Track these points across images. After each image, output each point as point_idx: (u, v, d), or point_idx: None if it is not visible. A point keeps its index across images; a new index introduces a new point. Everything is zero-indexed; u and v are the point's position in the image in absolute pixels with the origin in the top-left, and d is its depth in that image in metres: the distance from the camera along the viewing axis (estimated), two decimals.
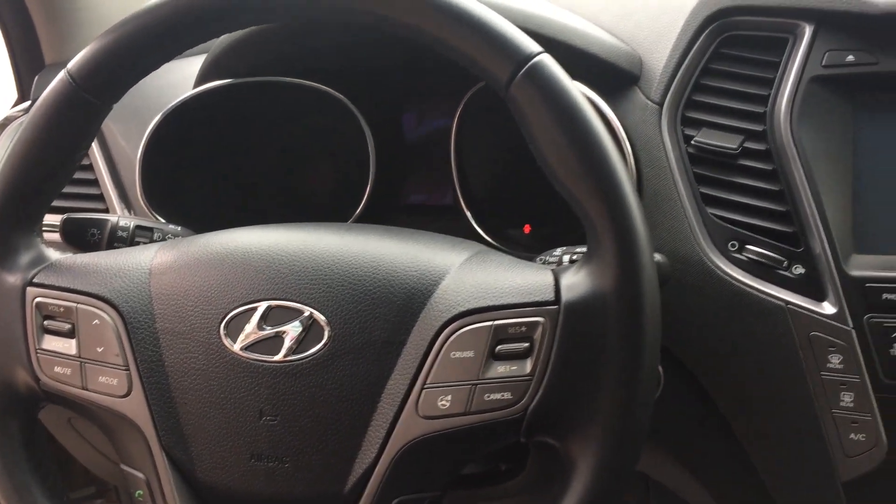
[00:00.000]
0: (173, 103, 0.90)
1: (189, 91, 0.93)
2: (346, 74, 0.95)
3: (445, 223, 0.97)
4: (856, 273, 0.72)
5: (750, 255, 0.76)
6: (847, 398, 0.72)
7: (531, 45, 0.59)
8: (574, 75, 0.82)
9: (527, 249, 0.83)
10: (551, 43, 0.81)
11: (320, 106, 0.93)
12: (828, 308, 0.73)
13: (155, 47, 0.64)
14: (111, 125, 1.01)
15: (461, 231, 0.90)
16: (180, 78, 0.99)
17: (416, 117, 1.04)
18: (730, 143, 0.78)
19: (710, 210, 0.78)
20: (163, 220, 0.90)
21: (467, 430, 0.58)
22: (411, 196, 1.04)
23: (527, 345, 0.58)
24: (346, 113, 0.92)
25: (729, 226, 0.77)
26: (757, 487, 0.78)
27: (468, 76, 0.84)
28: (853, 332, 0.72)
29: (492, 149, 0.95)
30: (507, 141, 0.85)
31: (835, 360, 0.72)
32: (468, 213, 0.91)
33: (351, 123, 0.92)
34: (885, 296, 0.71)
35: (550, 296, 0.58)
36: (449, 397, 0.58)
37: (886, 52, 0.74)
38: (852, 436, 0.72)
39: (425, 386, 0.59)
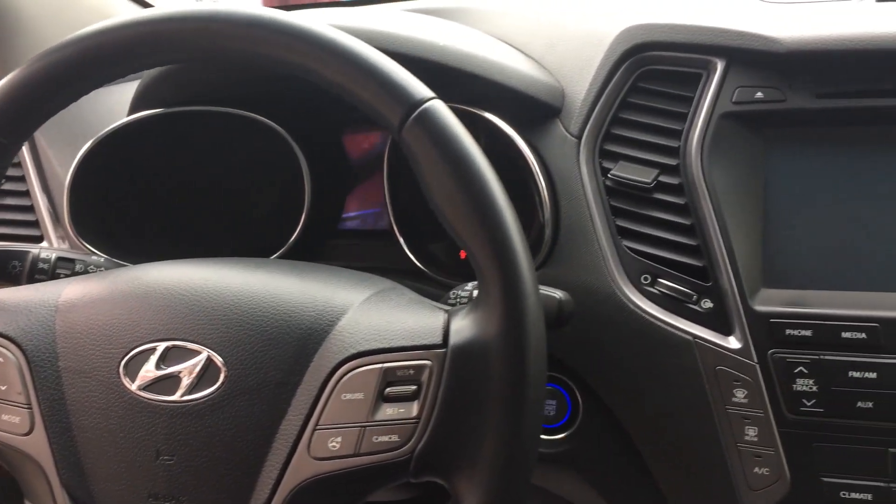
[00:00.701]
0: (102, 132, 0.91)
1: (121, 119, 0.93)
2: (280, 101, 0.95)
3: (381, 248, 0.98)
4: (761, 308, 0.73)
5: (662, 289, 0.77)
6: (751, 432, 0.73)
7: (422, 91, 0.60)
8: (494, 108, 0.84)
9: (462, 276, 0.84)
10: (470, 77, 0.82)
11: (253, 134, 0.94)
12: (733, 343, 0.74)
13: (61, 87, 0.64)
14: (47, 150, 1.01)
15: (397, 256, 0.91)
16: (118, 104, 1.00)
17: (353, 142, 1.04)
18: (644, 176, 0.79)
19: (626, 243, 0.79)
20: (92, 249, 0.90)
21: (357, 471, 0.59)
22: (349, 221, 1.05)
23: (415, 387, 0.59)
24: (280, 140, 0.93)
25: (643, 259, 0.78)
26: None
27: None
28: (757, 366, 0.73)
29: None
30: None
31: (740, 395, 0.73)
32: (401, 239, 0.92)
33: (285, 150, 0.93)
34: (788, 331, 0.72)
35: (438, 339, 0.59)
36: (339, 439, 0.59)
37: (794, 89, 0.75)
38: (756, 469, 0.73)
39: (317, 427, 0.59)
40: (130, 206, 0.97)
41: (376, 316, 0.62)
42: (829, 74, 0.75)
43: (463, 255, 0.97)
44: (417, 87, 0.60)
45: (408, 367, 0.59)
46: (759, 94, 0.76)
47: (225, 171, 0.99)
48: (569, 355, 0.82)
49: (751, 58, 0.77)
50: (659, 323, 0.76)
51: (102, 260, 0.82)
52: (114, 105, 1.01)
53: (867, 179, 0.75)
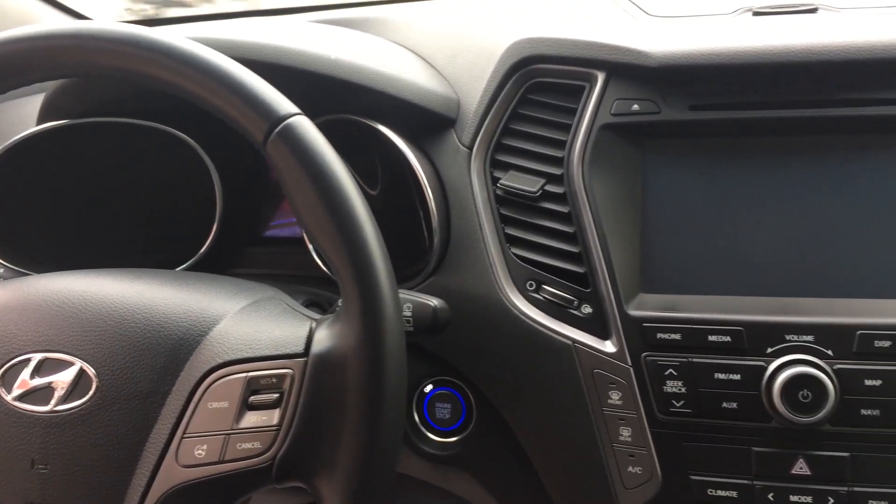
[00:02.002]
0: (6, 144, 0.92)
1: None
2: (195, 111, 0.96)
3: (299, 256, 1.00)
4: (635, 313, 0.76)
5: (545, 295, 0.80)
6: (626, 433, 0.76)
7: (286, 107, 0.62)
8: (387, 120, 0.86)
9: None
10: (363, 90, 0.84)
11: (164, 144, 0.95)
12: (609, 346, 0.77)
13: None
14: None
15: (312, 264, 0.92)
16: (30, 114, 1.01)
17: None
18: (531, 186, 0.81)
19: (514, 250, 0.82)
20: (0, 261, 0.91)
21: (221, 478, 0.60)
22: (276, 229, 1.06)
23: (277, 395, 0.61)
24: (190, 150, 0.94)
25: (529, 266, 0.81)
26: None
27: (317, 108, 0.87)
28: (631, 369, 0.75)
29: None
30: (358, 174, 0.87)
31: (615, 397, 0.76)
32: (310, 246, 0.94)
33: (196, 160, 0.94)
34: (659, 335, 0.75)
35: (300, 348, 0.61)
36: (205, 446, 0.61)
37: (668, 102, 0.78)
38: (630, 469, 0.76)
39: (185, 435, 0.61)
40: (40, 217, 0.97)
41: (246, 326, 0.64)
42: (701, 87, 0.78)
43: None
44: (281, 103, 0.62)
45: (271, 376, 0.61)
46: (636, 107, 0.79)
47: (137, 182, 1.00)
48: (459, 360, 0.84)
49: (627, 71, 0.79)
50: (541, 328, 0.79)
51: (1, 271, 0.82)
52: (25, 117, 1.01)
53: (737, 188, 0.77)
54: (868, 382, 0.70)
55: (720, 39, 0.78)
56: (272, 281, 0.81)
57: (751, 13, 0.87)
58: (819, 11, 0.85)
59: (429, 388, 0.88)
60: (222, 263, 1.01)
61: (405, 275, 0.86)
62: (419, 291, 0.83)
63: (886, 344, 0.70)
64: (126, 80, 0.64)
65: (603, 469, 0.77)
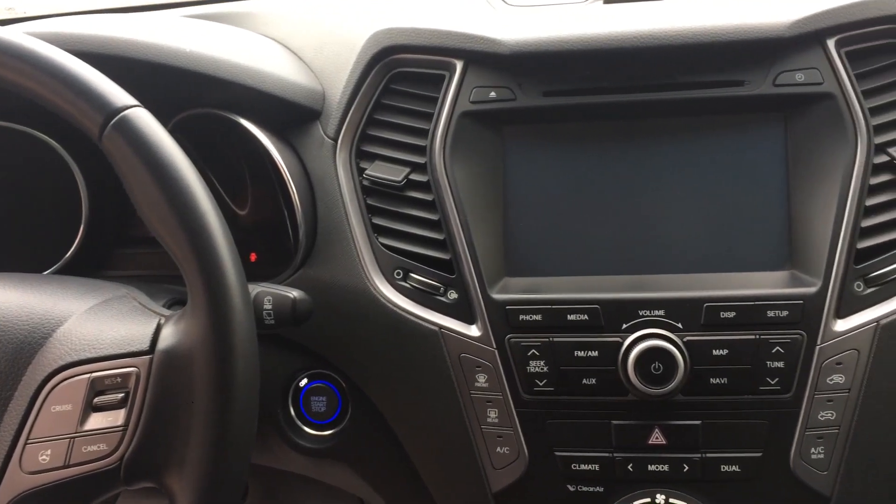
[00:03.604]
0: None
1: None
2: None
3: (168, 255, 0.98)
4: (498, 297, 0.77)
5: (412, 283, 0.80)
6: (493, 414, 0.77)
7: (122, 98, 0.60)
8: (249, 112, 0.85)
9: (252, 278, 0.84)
10: (222, 82, 0.82)
11: (23, 146, 0.92)
12: (475, 331, 0.78)
13: None
14: None
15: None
16: None
17: None
18: (396, 175, 0.82)
19: (381, 240, 0.82)
20: None
21: (68, 482, 0.59)
22: (137, 228, 1.03)
23: (122, 395, 0.59)
24: (54, 152, 0.91)
25: (396, 255, 0.81)
26: (428, 500, 0.83)
27: (177, 103, 0.85)
28: (496, 352, 0.77)
29: (209, 176, 0.95)
30: (223, 168, 0.86)
31: (481, 379, 0.77)
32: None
33: (61, 163, 0.91)
34: (521, 317, 0.77)
35: (146, 346, 0.60)
36: (49, 451, 0.59)
37: (524, 89, 0.80)
38: (498, 449, 0.78)
39: (28, 441, 0.59)
40: None
41: (91, 325, 0.62)
42: (554, 74, 0.80)
43: (253, 257, 0.98)
44: (116, 94, 0.60)
45: (115, 376, 0.59)
46: (493, 94, 0.80)
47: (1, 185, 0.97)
48: (331, 352, 0.84)
49: (483, 59, 0.80)
50: (409, 315, 0.79)
51: None
52: None
53: (590, 172, 0.80)
54: (716, 352, 0.74)
55: (571, 27, 0.80)
56: (142, 281, 0.80)
57: (601, 2, 0.90)
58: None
59: (304, 381, 0.88)
60: (93, 266, 0.98)
61: (276, 270, 0.85)
62: (288, 285, 0.83)
63: (731, 315, 0.74)
64: None
65: (473, 451, 0.78)
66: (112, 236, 1.01)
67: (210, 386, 0.58)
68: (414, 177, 0.82)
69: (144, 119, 0.60)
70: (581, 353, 0.75)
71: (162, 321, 0.62)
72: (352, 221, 0.82)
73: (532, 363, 0.76)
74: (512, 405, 0.77)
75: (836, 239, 0.74)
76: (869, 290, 0.74)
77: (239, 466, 0.60)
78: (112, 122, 0.59)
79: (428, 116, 0.82)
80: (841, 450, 0.74)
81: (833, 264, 0.73)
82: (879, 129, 0.75)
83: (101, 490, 0.61)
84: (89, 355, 0.60)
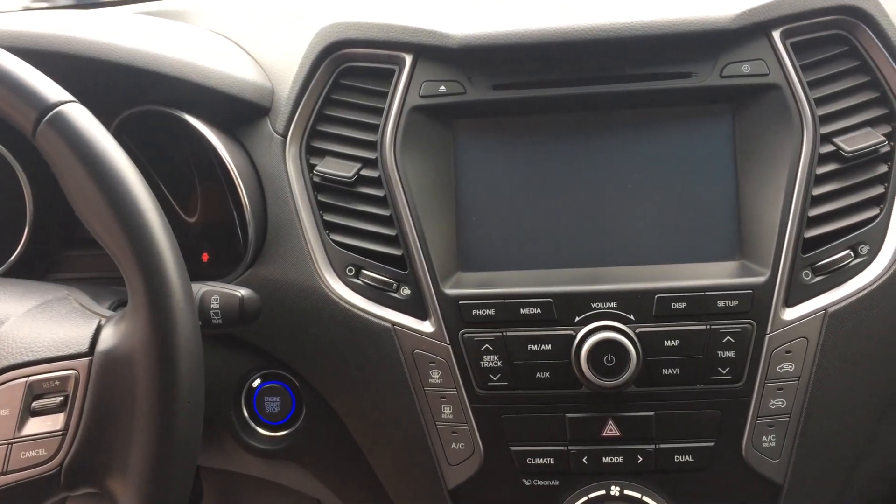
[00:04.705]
0: None
1: None
2: None
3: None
4: (451, 292, 0.77)
5: (365, 280, 0.79)
6: (447, 410, 0.77)
7: (57, 94, 0.59)
8: (195, 109, 0.83)
9: (203, 278, 0.82)
10: (166, 79, 0.81)
11: None
12: (428, 326, 0.77)
13: None
14: None
15: None
16: None
17: None
18: (347, 171, 0.81)
19: (333, 237, 0.81)
20: None
21: (7, 489, 0.57)
22: (85, 229, 1.01)
23: (61, 399, 0.58)
24: None
25: (348, 252, 0.80)
26: (385, 498, 0.82)
27: (122, 100, 0.83)
28: (449, 347, 0.76)
29: (152, 176, 0.93)
30: (170, 167, 0.84)
31: (435, 375, 0.77)
32: None
33: (3, 161, 0.89)
34: (475, 312, 0.76)
35: (85, 348, 0.58)
36: None
37: (473, 82, 0.79)
38: (454, 445, 0.77)
39: None
40: None
41: (29, 328, 0.61)
42: (503, 67, 0.79)
43: (205, 257, 0.96)
44: (51, 90, 0.59)
45: (53, 379, 0.58)
46: (443, 88, 0.80)
47: None
48: (283, 351, 0.83)
49: (433, 53, 0.80)
50: (361, 313, 0.78)
51: None
52: None
53: (540, 165, 0.80)
54: (668, 343, 0.74)
55: (520, 20, 0.79)
56: (91, 284, 0.77)
57: None
58: None
59: (257, 382, 0.87)
60: (40, 269, 0.96)
61: (227, 269, 0.84)
62: (238, 284, 0.81)
63: (682, 305, 0.74)
64: None
65: (428, 448, 0.78)
66: (59, 238, 0.98)
67: (152, 387, 0.57)
68: (365, 172, 0.81)
69: (80, 114, 0.59)
70: (534, 347, 0.75)
71: (102, 322, 0.61)
72: (302, 219, 0.81)
73: (486, 358, 0.76)
74: (466, 401, 0.76)
75: (784, 228, 0.74)
76: (817, 279, 0.75)
77: (184, 470, 0.58)
78: (46, 117, 0.58)
79: (378, 111, 0.81)
80: (792, 437, 0.74)
81: (781, 254, 0.74)
82: (825, 119, 0.76)
83: (41, 496, 0.59)
84: (26, 358, 0.58)
